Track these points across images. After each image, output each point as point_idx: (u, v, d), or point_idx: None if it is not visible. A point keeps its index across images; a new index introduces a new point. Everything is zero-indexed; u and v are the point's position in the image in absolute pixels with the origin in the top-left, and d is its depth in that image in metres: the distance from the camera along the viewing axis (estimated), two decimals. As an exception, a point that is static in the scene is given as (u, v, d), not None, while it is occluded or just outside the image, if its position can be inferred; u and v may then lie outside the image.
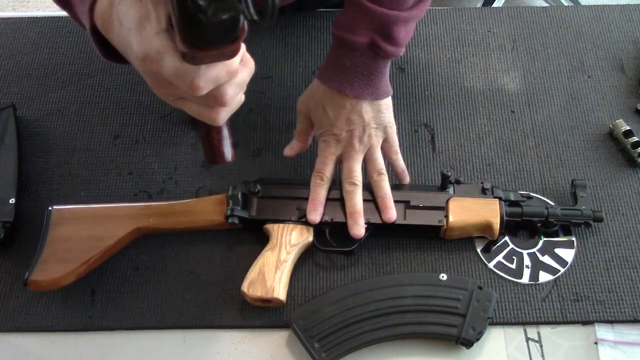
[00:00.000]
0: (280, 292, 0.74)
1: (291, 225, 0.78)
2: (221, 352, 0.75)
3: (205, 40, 0.47)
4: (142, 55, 0.56)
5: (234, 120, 0.90)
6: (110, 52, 0.63)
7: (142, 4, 0.56)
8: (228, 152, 0.65)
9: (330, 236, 0.79)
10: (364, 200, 0.79)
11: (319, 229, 0.78)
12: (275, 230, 0.78)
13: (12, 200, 0.81)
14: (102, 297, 0.78)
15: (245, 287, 0.74)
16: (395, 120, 0.83)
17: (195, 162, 0.88)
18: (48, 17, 1.03)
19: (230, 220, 0.77)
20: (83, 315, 0.77)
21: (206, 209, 0.79)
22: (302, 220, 0.78)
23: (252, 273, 0.75)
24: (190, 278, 0.79)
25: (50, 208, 0.79)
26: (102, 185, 0.86)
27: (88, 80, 0.96)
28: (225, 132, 0.65)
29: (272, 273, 0.74)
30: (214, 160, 0.65)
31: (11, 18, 1.03)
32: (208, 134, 0.64)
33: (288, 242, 0.77)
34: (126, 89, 0.95)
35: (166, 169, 0.88)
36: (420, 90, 0.94)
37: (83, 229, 0.77)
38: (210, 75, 0.53)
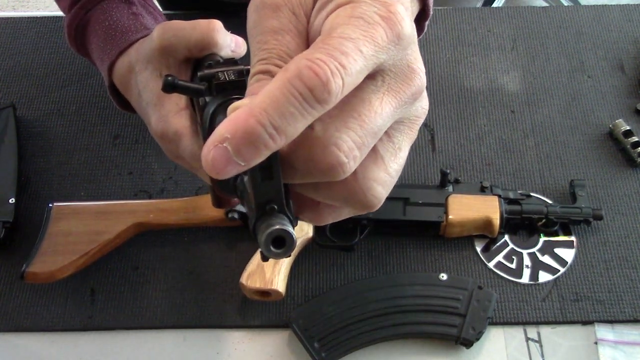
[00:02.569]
0: (279, 284, 0.74)
1: None
2: (221, 352, 0.75)
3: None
4: (160, 134, 0.56)
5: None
6: (128, 105, 0.64)
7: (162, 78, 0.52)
8: (234, 200, 0.66)
9: (331, 232, 0.79)
10: None
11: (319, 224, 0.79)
12: None
13: (12, 200, 0.81)
14: (102, 296, 0.79)
15: (244, 278, 0.74)
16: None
17: (195, 162, 0.88)
18: (48, 17, 1.03)
19: (230, 215, 0.77)
20: (83, 315, 0.77)
21: (206, 205, 0.79)
22: None
23: (251, 265, 0.75)
24: (190, 278, 0.79)
25: (50, 205, 0.79)
26: (102, 185, 0.86)
27: (88, 80, 0.96)
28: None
29: (271, 266, 0.74)
30: (221, 206, 0.65)
31: (11, 18, 1.03)
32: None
33: None
34: (126, 89, 0.95)
35: (166, 169, 0.88)
36: (420, 90, 0.94)
37: (83, 223, 0.78)
38: None
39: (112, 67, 0.61)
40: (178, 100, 0.56)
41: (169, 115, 0.55)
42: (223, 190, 0.42)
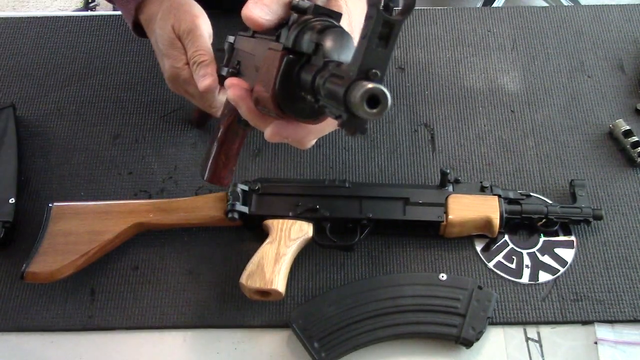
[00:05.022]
0: (279, 283, 0.74)
1: (291, 221, 0.78)
2: (221, 352, 0.75)
3: (296, 113, 0.47)
4: (172, 77, 0.73)
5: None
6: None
7: (175, 37, 0.72)
8: (227, 177, 0.69)
9: (331, 232, 0.79)
10: (364, 198, 0.79)
11: (319, 225, 0.79)
12: (275, 225, 0.78)
13: (12, 200, 0.81)
14: (102, 296, 0.79)
15: (243, 279, 0.74)
16: (395, 120, 0.83)
17: (195, 162, 0.88)
18: (48, 17, 1.03)
19: (230, 216, 0.77)
20: (83, 315, 0.77)
21: (206, 205, 0.80)
22: (302, 215, 0.78)
23: (251, 265, 0.75)
24: (190, 278, 0.79)
25: (50, 205, 0.79)
26: (102, 185, 0.86)
27: (88, 80, 0.96)
28: (232, 159, 0.67)
29: (271, 266, 0.74)
30: (211, 179, 0.69)
31: (11, 18, 1.03)
32: (217, 154, 0.67)
33: (287, 236, 0.77)
34: (126, 89, 0.95)
35: (166, 169, 0.88)
36: (420, 90, 0.94)
37: (83, 223, 0.78)
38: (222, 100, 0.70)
39: (140, 8, 0.76)
40: (186, 56, 0.72)
41: (179, 65, 0.72)
42: (286, 93, 0.45)
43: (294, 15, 0.47)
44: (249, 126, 0.62)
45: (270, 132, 0.51)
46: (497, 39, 0.99)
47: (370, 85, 0.34)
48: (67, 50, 0.99)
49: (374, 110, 0.35)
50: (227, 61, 0.65)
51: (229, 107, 0.66)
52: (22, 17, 1.03)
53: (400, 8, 0.37)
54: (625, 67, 0.95)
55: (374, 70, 0.36)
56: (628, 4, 1.02)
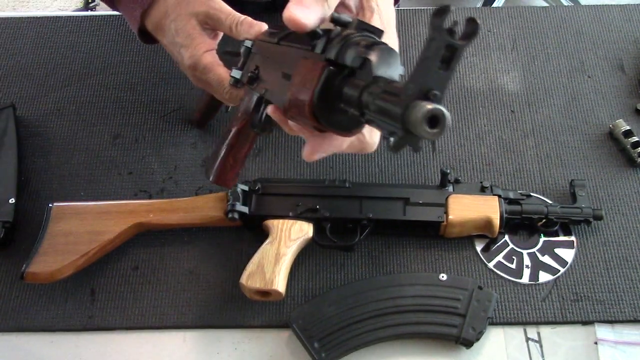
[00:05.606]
0: (279, 284, 0.74)
1: (291, 221, 0.78)
2: (221, 352, 0.75)
3: (332, 124, 0.47)
4: (192, 65, 0.72)
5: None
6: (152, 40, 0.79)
7: (194, 25, 0.72)
8: (233, 179, 0.69)
9: (331, 232, 0.79)
10: (364, 198, 0.79)
11: (319, 225, 0.79)
12: (275, 225, 0.78)
13: (11, 200, 0.81)
14: (102, 297, 0.79)
15: (244, 279, 0.74)
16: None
17: (195, 161, 0.88)
18: (48, 17, 1.03)
19: (230, 216, 0.77)
20: (83, 315, 0.77)
21: (206, 205, 0.80)
22: (302, 215, 0.78)
23: (251, 266, 0.75)
24: (190, 278, 0.79)
25: (50, 205, 0.79)
26: (102, 185, 0.86)
27: (88, 80, 0.96)
28: (240, 162, 0.68)
29: (271, 266, 0.74)
30: (217, 180, 0.69)
31: (11, 18, 1.03)
32: (226, 156, 0.68)
33: (288, 236, 0.77)
34: (126, 89, 0.95)
35: (166, 169, 0.88)
36: (420, 90, 0.94)
37: (83, 223, 0.78)
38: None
39: (146, 13, 0.76)
40: (206, 44, 0.72)
41: (200, 53, 0.71)
42: (325, 106, 0.46)
43: (337, 29, 0.47)
44: (265, 131, 0.63)
45: (309, 151, 0.52)
46: (497, 39, 0.99)
47: (430, 106, 0.35)
48: (67, 50, 0.99)
49: (435, 130, 0.35)
50: (243, 64, 0.64)
51: (243, 110, 0.65)
52: (22, 17, 1.03)
53: (462, 33, 0.38)
54: (625, 67, 0.95)
55: (434, 92, 0.37)
56: (628, 4, 1.02)
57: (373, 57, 0.44)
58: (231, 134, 0.67)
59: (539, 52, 0.97)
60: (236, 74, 0.64)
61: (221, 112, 0.87)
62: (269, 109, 0.55)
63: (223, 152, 0.68)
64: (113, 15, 1.02)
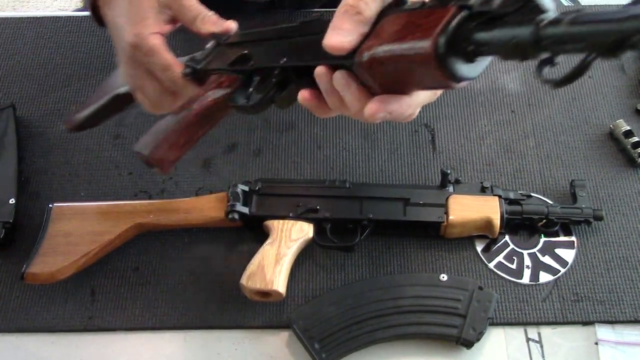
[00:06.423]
0: (279, 284, 0.73)
1: (291, 221, 0.78)
2: (221, 352, 0.75)
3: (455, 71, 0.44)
4: (135, 44, 0.63)
5: (234, 120, 0.90)
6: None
7: (153, 3, 0.63)
8: (171, 163, 0.66)
9: (331, 233, 0.79)
10: (364, 198, 0.79)
11: (319, 225, 0.78)
12: (276, 226, 0.78)
13: (12, 201, 0.81)
14: (102, 297, 0.78)
15: (244, 279, 0.74)
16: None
17: (195, 162, 0.88)
18: (48, 17, 1.03)
19: (230, 216, 0.77)
20: (83, 315, 0.77)
21: (207, 206, 0.80)
22: (302, 216, 0.78)
23: (252, 266, 0.75)
24: (190, 278, 0.79)
25: (50, 205, 0.79)
26: (102, 186, 0.86)
27: (88, 80, 0.96)
28: (189, 145, 0.64)
29: (271, 266, 0.74)
30: (151, 156, 0.64)
31: (11, 18, 1.03)
32: (177, 133, 0.63)
33: (288, 237, 0.77)
34: (126, 89, 0.94)
35: (166, 169, 0.87)
36: (420, 90, 0.94)
37: (83, 224, 0.78)
38: None
39: None
40: (158, 26, 0.63)
41: (146, 33, 0.62)
42: None
43: None
44: (254, 109, 0.58)
45: (374, 108, 0.48)
46: (497, 39, 0.98)
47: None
48: (67, 50, 0.99)
49: None
50: (205, 57, 0.62)
51: (215, 92, 0.61)
52: (22, 17, 1.03)
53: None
54: (625, 67, 0.95)
55: None
56: (628, 4, 1.01)
57: None
58: (193, 109, 0.61)
59: (539, 52, 0.97)
60: (194, 63, 0.61)
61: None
62: (318, 70, 0.51)
63: (173, 126, 0.62)
64: (113, 15, 1.02)
